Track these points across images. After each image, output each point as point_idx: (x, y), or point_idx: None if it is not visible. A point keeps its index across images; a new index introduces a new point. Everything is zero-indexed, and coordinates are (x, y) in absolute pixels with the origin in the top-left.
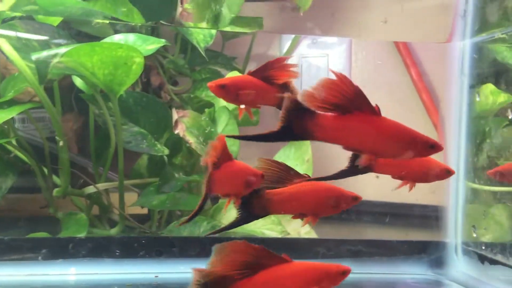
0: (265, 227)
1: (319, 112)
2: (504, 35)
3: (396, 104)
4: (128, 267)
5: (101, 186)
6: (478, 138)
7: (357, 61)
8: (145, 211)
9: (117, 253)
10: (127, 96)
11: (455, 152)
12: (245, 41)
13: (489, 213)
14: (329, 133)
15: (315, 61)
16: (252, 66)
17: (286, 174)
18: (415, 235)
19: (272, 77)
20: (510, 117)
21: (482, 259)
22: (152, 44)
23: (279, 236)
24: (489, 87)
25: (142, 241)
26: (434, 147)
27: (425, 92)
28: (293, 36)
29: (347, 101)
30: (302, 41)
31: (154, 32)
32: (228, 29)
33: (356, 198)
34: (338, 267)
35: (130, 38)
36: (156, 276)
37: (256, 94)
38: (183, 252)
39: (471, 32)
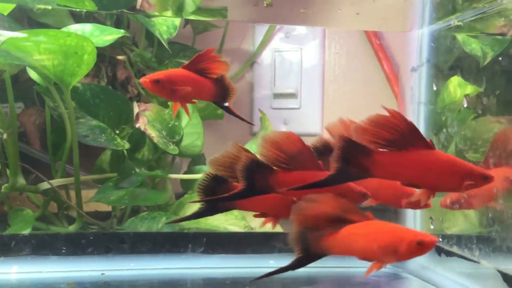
0: (228, 223)
1: (374, 149)
2: (460, 23)
3: (370, 98)
4: (74, 265)
5: (55, 182)
6: (444, 130)
7: (330, 55)
8: (110, 208)
9: (63, 250)
10: (84, 89)
11: None
12: (217, 35)
13: None
14: (387, 170)
15: (289, 55)
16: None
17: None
18: None
19: (205, 70)
20: (465, 106)
21: (439, 251)
22: (110, 35)
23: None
24: (456, 79)
25: (90, 238)
26: (488, 178)
27: (397, 85)
28: (266, 29)
29: (402, 138)
30: (275, 35)
31: (121, 24)
32: (192, 17)
33: None
34: (417, 236)
35: (87, 28)
36: (102, 274)
37: (192, 89)
38: (134, 249)
39: (429, 20)
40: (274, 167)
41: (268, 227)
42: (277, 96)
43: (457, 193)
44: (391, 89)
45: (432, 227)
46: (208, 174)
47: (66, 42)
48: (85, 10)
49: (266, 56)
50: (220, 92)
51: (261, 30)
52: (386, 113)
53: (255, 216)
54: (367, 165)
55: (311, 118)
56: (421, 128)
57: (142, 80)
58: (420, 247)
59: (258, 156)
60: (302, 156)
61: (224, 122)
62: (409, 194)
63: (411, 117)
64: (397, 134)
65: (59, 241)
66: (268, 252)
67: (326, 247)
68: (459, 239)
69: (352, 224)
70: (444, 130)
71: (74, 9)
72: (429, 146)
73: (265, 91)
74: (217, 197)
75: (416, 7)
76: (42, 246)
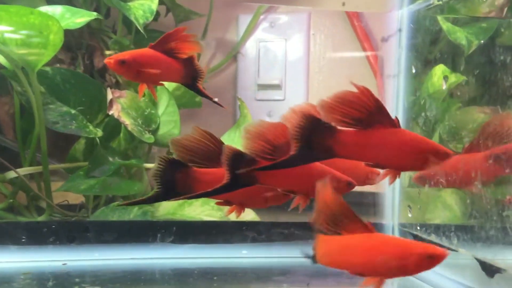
0: (204, 213)
1: (338, 128)
2: (440, 2)
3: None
4: (35, 255)
5: (22, 170)
6: (427, 119)
7: (315, 46)
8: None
9: (23, 240)
10: (53, 73)
11: None
12: (199, 24)
13: (439, 196)
14: (351, 149)
15: (273, 45)
16: (207, 51)
17: (220, 153)
18: None
19: (174, 50)
20: (444, 88)
21: (417, 240)
22: (82, 17)
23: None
24: (441, 67)
25: (52, 226)
26: (450, 155)
27: (379, 76)
28: (250, 19)
29: (369, 116)
30: (259, 24)
31: (100, 10)
32: None
33: None
34: (426, 248)
35: (57, 10)
36: (64, 264)
37: (159, 70)
38: (99, 238)
39: (409, 0)
40: (258, 159)
41: (242, 216)
42: (261, 87)
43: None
44: (375, 79)
45: (410, 215)
46: (163, 159)
47: (30, 20)
48: None
49: (250, 47)
50: (190, 74)
51: (245, 19)
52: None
53: (217, 204)
54: (331, 144)
55: None
56: (400, 115)
57: (106, 60)
58: (430, 261)
59: (242, 147)
60: (288, 146)
61: (207, 112)
62: (373, 174)
63: (389, 103)
64: (365, 112)
65: (19, 230)
66: (240, 241)
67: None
68: (437, 228)
69: (349, 234)
70: (424, 116)
71: None
72: (395, 124)
73: (249, 82)
74: (200, 193)
75: None
76: (2, 235)
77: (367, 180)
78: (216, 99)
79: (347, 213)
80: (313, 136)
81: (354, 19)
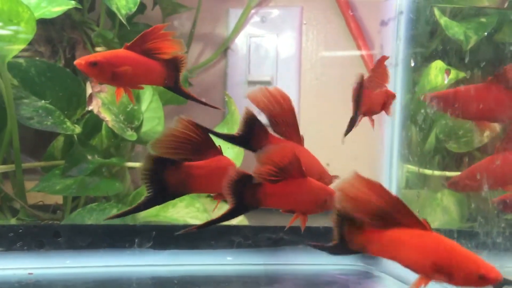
0: (189, 215)
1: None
2: None
3: (348, 87)
4: (0, 262)
5: None
6: (427, 116)
7: (307, 41)
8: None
9: None
10: (28, 65)
11: (389, 133)
12: (188, 18)
13: (436, 199)
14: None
15: (264, 41)
16: (196, 46)
17: (207, 143)
18: None
19: (154, 50)
20: (446, 82)
21: None
22: (59, 6)
23: None
24: (438, 63)
25: (19, 231)
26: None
27: (371, 63)
28: (240, 13)
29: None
30: (250, 19)
31: (82, 1)
32: None
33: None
34: (481, 268)
35: None
36: (30, 274)
37: (136, 72)
38: (70, 243)
39: None
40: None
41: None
42: (252, 84)
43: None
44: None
45: None
46: (152, 158)
47: None
48: None
49: (240, 42)
50: (172, 76)
51: (236, 13)
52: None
53: (215, 198)
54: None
55: None
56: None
57: (76, 62)
58: (481, 281)
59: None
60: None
61: (193, 108)
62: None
63: None
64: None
65: None
66: (225, 247)
67: (362, 243)
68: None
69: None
70: (424, 114)
71: None
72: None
73: (239, 78)
74: (206, 222)
75: None
76: None
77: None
78: (203, 99)
79: (403, 208)
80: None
81: (347, 9)
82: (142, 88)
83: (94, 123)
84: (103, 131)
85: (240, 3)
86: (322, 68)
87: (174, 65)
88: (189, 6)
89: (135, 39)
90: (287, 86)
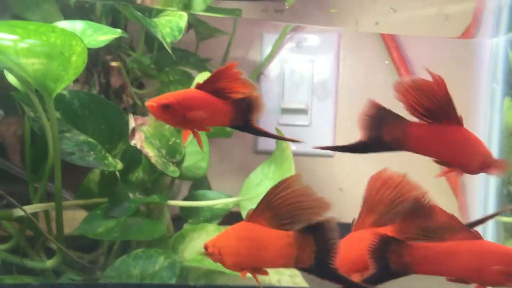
0: (272, 270)
1: (410, 120)
2: None
3: None
4: None
5: (31, 208)
6: None
7: (345, 68)
8: None
9: None
10: (71, 97)
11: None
12: (222, 42)
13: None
14: (421, 144)
15: (299, 67)
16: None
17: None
18: None
19: (226, 90)
20: None
21: None
22: (105, 35)
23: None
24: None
25: None
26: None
27: None
28: (275, 38)
29: (439, 108)
30: (285, 44)
31: (117, 23)
32: (203, 13)
33: None
34: None
35: (78, 25)
36: None
37: (207, 114)
38: None
39: (508, 27)
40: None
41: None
42: (286, 111)
43: None
44: None
45: None
46: (380, 236)
47: (50, 40)
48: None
49: (274, 67)
50: (240, 115)
51: (270, 39)
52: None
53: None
54: (401, 136)
55: (322, 136)
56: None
57: (148, 104)
58: None
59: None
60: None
61: (224, 141)
62: None
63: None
64: (436, 103)
65: None
66: None
67: (412, 262)
68: None
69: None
70: None
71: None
72: (460, 122)
73: (272, 105)
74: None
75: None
76: None
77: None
78: (288, 137)
79: (455, 222)
80: (384, 126)
81: (391, 40)
82: (210, 130)
83: (132, 157)
84: (142, 166)
85: (275, 27)
86: (361, 97)
87: (245, 104)
88: (224, 31)
89: (208, 78)
90: (323, 114)
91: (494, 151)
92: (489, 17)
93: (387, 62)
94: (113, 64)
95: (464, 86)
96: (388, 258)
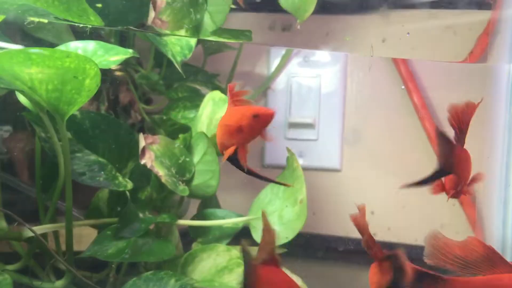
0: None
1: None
2: None
3: (395, 131)
4: None
5: (40, 228)
6: None
7: (352, 83)
8: None
9: None
10: (82, 117)
11: (499, 202)
12: (229, 57)
13: None
14: None
15: (306, 81)
16: (237, 85)
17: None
18: None
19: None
20: None
21: None
22: (116, 55)
23: None
24: None
25: None
26: None
27: (429, 120)
28: (282, 53)
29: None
30: (292, 59)
31: (125, 42)
32: (212, 38)
33: None
34: None
35: (89, 46)
36: None
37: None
38: None
39: None
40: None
41: None
42: (293, 125)
43: None
44: (420, 124)
45: None
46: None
47: (65, 64)
48: (90, 26)
49: (281, 82)
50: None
51: (277, 53)
52: None
53: None
54: None
55: (329, 151)
56: None
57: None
58: None
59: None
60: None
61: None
62: None
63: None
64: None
65: None
66: None
67: None
68: None
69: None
70: None
71: (76, 24)
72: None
73: (280, 119)
74: None
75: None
76: None
77: None
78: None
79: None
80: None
81: (402, 67)
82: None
83: (141, 175)
84: (151, 183)
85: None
86: (368, 112)
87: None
88: (232, 46)
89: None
90: (330, 129)
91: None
92: (505, 42)
93: (403, 87)
94: (118, 73)
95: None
96: None
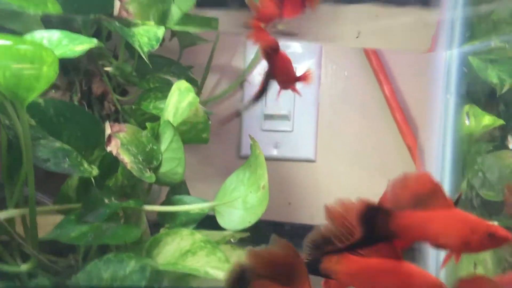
0: (210, 265)
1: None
2: (503, 44)
3: (367, 123)
4: None
5: (3, 214)
6: (464, 166)
7: (327, 76)
8: None
9: None
10: (46, 105)
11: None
12: (206, 49)
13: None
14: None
15: None
16: (212, 77)
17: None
18: None
19: None
20: (467, 123)
21: None
22: (81, 44)
23: None
24: (467, 107)
25: None
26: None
27: (399, 111)
28: (258, 45)
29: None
30: None
31: (100, 32)
32: (176, 28)
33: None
34: (489, 228)
35: (54, 36)
36: None
37: None
38: None
39: (461, 39)
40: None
41: None
42: (268, 117)
43: None
44: (391, 115)
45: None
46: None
47: (20, 51)
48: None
49: (258, 74)
50: None
51: (254, 45)
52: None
53: None
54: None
55: (304, 142)
56: (447, 165)
57: None
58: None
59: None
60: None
61: (208, 144)
62: None
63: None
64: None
65: None
66: None
67: (397, 228)
68: None
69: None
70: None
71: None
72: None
73: (256, 111)
74: (333, 248)
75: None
76: None
77: None
78: None
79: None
80: (374, 222)
81: (373, 59)
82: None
83: (110, 163)
84: (120, 172)
85: None
86: (341, 104)
87: None
88: (207, 39)
89: None
90: (304, 120)
91: (448, 158)
92: (444, 30)
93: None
94: (106, 69)
95: (422, 98)
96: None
